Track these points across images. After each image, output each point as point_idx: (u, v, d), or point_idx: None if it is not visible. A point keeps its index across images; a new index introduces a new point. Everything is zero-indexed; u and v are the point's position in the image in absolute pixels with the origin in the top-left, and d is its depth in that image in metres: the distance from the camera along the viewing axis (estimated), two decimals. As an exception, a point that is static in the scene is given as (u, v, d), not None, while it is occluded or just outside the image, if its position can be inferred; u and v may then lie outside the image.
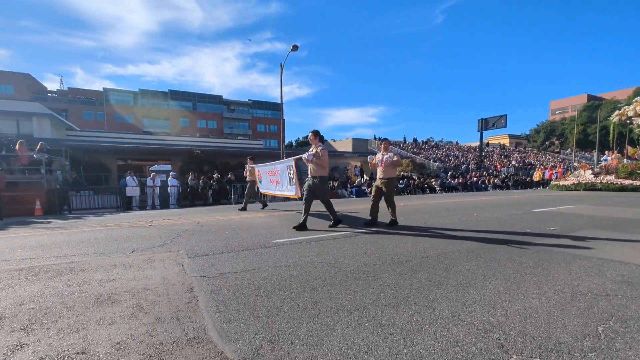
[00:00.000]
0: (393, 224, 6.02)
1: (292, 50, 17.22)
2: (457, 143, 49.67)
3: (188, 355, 1.69)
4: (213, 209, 11.94)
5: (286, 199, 14.13)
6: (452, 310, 2.21)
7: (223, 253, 4.04)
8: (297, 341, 1.81)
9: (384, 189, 6.05)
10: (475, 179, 26.46)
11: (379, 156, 6.19)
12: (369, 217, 6.21)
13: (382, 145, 6.30)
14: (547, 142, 58.75)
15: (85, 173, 17.14)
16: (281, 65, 18.26)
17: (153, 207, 13.61)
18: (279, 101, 19.13)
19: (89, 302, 2.45)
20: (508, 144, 56.56)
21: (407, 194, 21.23)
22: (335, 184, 20.45)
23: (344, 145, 36.41)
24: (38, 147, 11.47)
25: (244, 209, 9.99)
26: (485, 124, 33.31)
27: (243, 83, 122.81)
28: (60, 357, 1.69)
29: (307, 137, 6.29)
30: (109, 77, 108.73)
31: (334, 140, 43.35)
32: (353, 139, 36.56)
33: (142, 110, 47.21)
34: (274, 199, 15.42)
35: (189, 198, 15.57)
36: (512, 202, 11.59)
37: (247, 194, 10.29)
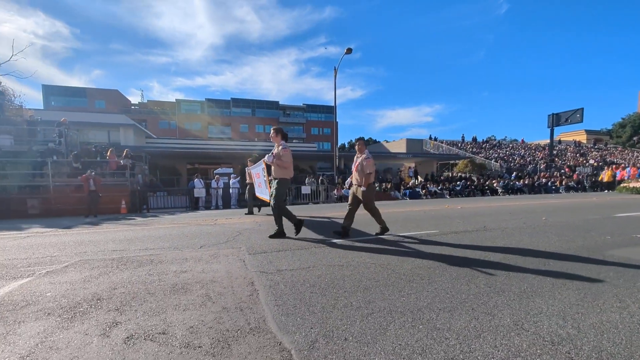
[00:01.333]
0: (383, 231, 5.30)
1: (346, 53, 17.36)
2: (522, 141, 45.46)
3: (251, 342, 1.85)
4: (269, 209, 12.50)
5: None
6: (515, 319, 2.10)
7: (280, 251, 4.26)
8: (350, 338, 1.88)
9: (359, 196, 5.24)
10: (544, 180, 23.95)
11: (355, 158, 5.42)
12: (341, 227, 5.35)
13: (357, 146, 5.42)
14: (635, 138, 50.71)
15: (161, 176, 19.13)
16: (335, 69, 18.49)
17: (217, 207, 14.68)
18: (332, 104, 19.39)
19: (166, 290, 2.79)
20: (585, 141, 50.22)
21: (465, 197, 20.03)
22: (388, 185, 20.08)
23: (398, 146, 35.54)
24: (124, 153, 13.14)
25: (250, 212, 9.65)
26: (556, 120, 29.83)
27: (298, 88, 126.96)
28: (146, 335, 1.97)
29: (359, 139, 5.82)
30: (179, 89, 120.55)
31: (387, 141, 42.48)
32: (407, 139, 35.52)
33: (207, 118, 51.17)
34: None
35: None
36: (589, 205, 10.31)
37: (248, 198, 9.75)
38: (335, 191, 17.78)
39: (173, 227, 7.00)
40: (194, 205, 14.62)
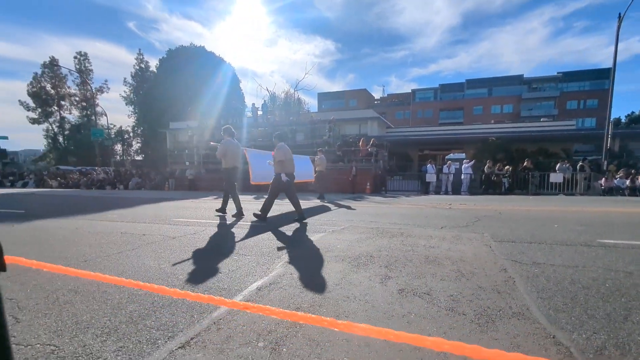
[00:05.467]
0: (259, 217, 5.67)
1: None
2: None
3: (516, 325, 1.87)
4: (507, 198, 11.16)
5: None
6: None
7: (531, 243, 3.84)
8: (659, 358, 1.53)
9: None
10: None
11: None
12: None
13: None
14: None
15: (396, 162, 21.10)
16: (619, 17, 13.59)
17: (446, 192, 14.58)
18: (600, 67, 14.51)
19: (420, 260, 3.21)
20: None
21: None
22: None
23: None
24: (371, 142, 15.46)
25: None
26: None
27: (550, 54, 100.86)
28: (414, 292, 2.39)
29: (277, 135, 6.00)
30: (414, 79, 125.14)
31: None
32: None
33: (438, 104, 51.04)
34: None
35: (482, 186, 15.29)
36: None
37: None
38: (601, 181, 13.19)
39: (411, 208, 7.68)
40: (424, 189, 15.19)
